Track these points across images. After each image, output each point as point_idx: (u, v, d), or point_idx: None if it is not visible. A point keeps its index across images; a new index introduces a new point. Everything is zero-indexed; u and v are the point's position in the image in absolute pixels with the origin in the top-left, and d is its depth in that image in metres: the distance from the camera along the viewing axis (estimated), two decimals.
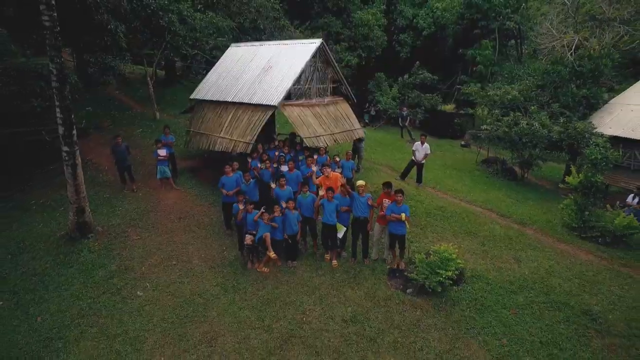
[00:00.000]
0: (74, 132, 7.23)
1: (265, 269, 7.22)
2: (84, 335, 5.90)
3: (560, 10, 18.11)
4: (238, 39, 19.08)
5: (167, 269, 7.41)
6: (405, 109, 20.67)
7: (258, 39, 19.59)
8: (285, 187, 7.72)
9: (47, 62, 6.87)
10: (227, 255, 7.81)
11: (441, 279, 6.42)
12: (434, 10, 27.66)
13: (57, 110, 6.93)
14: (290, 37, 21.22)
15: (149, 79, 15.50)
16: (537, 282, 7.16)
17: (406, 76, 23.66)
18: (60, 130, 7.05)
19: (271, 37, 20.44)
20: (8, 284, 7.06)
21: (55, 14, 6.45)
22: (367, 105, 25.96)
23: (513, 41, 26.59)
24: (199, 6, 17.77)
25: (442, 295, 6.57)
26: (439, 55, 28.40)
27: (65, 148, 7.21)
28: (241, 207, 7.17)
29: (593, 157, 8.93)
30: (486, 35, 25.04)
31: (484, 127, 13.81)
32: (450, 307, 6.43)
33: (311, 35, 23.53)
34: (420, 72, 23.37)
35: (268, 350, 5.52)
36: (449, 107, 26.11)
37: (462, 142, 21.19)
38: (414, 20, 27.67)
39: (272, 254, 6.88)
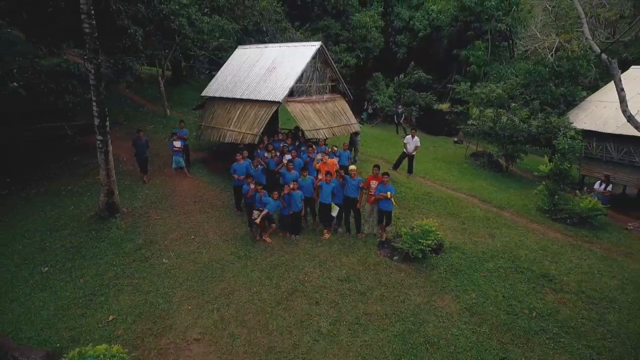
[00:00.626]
0: (107, 123, 8.44)
1: (269, 240, 8.43)
2: (122, 291, 7.10)
3: (544, 15, 19.37)
4: (242, 41, 20.31)
5: (186, 242, 8.61)
6: (400, 107, 21.89)
7: (261, 40, 20.82)
8: (292, 170, 8.93)
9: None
10: (239, 231, 9.02)
11: (422, 247, 7.63)
12: (430, 13, 28.85)
13: (94, 104, 8.14)
14: (292, 39, 22.47)
15: (160, 78, 16.69)
16: (506, 253, 8.37)
17: (402, 76, 24.87)
18: (96, 121, 8.26)
19: (273, 38, 21.68)
20: (51, 254, 8.26)
21: (94, 22, 7.66)
22: (365, 103, 27.21)
23: (505, 42, 27.81)
24: (206, 10, 18.95)
25: (423, 261, 7.77)
26: (434, 56, 29.60)
27: (100, 137, 8.42)
28: (252, 186, 8.37)
29: (561, 147, 10.14)
30: (479, 36, 26.21)
31: (470, 122, 15.04)
32: (429, 270, 7.63)
33: (311, 36, 24.76)
34: (415, 72, 24.60)
35: (276, 301, 6.73)
36: (445, 106, 27.32)
37: (455, 139, 22.38)
38: (411, 22, 28.88)
39: (273, 225, 8.18)
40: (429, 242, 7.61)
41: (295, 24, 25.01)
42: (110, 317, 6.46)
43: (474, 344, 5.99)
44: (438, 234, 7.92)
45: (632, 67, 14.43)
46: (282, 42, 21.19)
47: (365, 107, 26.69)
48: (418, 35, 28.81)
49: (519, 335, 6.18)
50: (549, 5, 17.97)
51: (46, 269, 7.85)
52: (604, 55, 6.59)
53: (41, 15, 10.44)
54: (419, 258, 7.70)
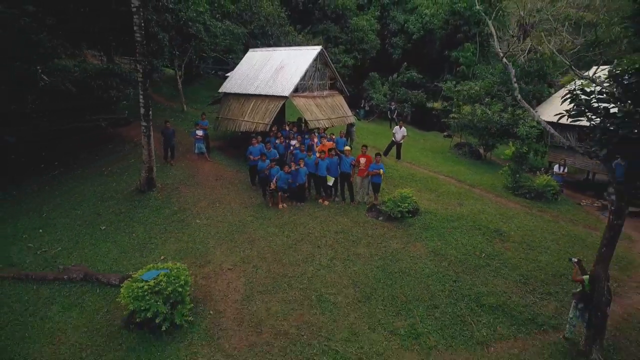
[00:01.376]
0: (150, 112, 10.62)
1: (282, 205, 10.61)
2: (167, 241, 9.27)
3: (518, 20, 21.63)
4: (249, 43, 22.55)
5: (213, 208, 10.77)
6: (393, 104, 24.07)
7: (266, 43, 23.05)
8: (304, 151, 11.14)
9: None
10: (255, 200, 11.19)
11: (401, 209, 9.79)
12: (423, 16, 30.98)
13: (141, 97, 10.31)
14: (294, 41, 24.69)
15: (177, 77, 18.86)
16: (469, 216, 10.53)
17: (395, 75, 27.01)
18: (142, 110, 10.43)
19: (278, 41, 23.89)
20: (105, 218, 10.42)
21: (144, 32, 9.84)
22: (362, 101, 29.39)
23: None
24: (217, 15, 21.15)
25: (401, 220, 9.93)
26: (427, 57, 31.78)
27: (144, 123, 10.60)
28: (268, 162, 10.56)
29: (520, 133, 12.29)
30: (469, 38, 28.39)
31: (452, 115, 17.22)
32: (406, 227, 9.79)
33: (312, 39, 26.97)
34: (407, 72, 26.76)
35: (288, 245, 8.90)
36: (438, 104, 29.50)
37: (445, 133, 24.56)
38: (405, 25, 31.02)
39: (281, 193, 10.41)
40: (406, 205, 9.78)
41: (297, 27, 27.24)
42: (162, 257, 8.62)
43: (435, 273, 8.15)
44: (414, 200, 10.10)
45: (594, 66, 16.58)
46: (285, 44, 23.45)
47: (362, 105, 28.85)
48: (412, 37, 30.95)
49: (469, 268, 8.34)
50: (522, 12, 20.12)
51: (104, 227, 10.02)
52: (504, 60, 8.58)
53: (84, 24, 12.62)
54: (398, 218, 9.86)
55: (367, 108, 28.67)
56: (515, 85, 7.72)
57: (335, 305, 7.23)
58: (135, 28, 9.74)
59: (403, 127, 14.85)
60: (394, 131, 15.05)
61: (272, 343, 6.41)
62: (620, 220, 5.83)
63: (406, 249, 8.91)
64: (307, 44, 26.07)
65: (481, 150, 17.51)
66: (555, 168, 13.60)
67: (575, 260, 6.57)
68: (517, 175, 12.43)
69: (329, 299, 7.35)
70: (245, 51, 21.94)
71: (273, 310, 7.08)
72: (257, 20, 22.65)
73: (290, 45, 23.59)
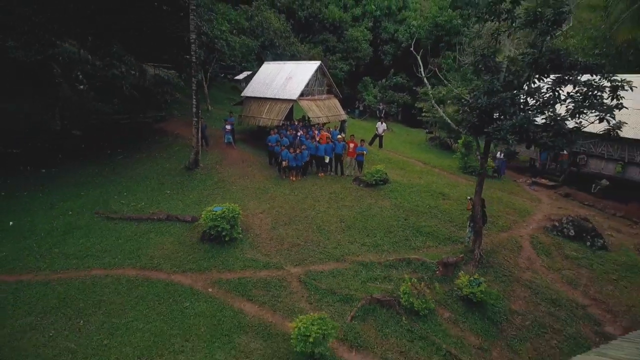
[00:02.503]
0: (200, 110, 15.14)
1: (293, 178, 15.12)
2: (215, 199, 13.74)
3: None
4: (260, 53, 27.09)
5: (243, 179, 15.27)
6: (382, 104, 28.55)
7: (275, 52, 27.59)
8: (308, 139, 15.66)
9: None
10: (272, 174, 15.70)
11: (375, 178, 14.30)
12: (411, 27, 35.53)
13: (193, 99, 14.82)
14: (297, 50, 29.22)
15: (204, 83, 23.37)
16: (424, 185, 15.01)
17: (384, 80, 31.49)
18: (193, 109, 14.94)
19: (284, 50, 28.43)
20: (167, 186, 14.92)
21: (198, 50, 14.34)
22: (357, 102, 33.89)
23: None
24: (234, 31, 25.68)
25: (375, 186, 14.42)
26: (414, 63, 36.18)
27: (195, 118, 15.12)
28: (282, 147, 15.07)
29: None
30: (450, 47, 32.90)
31: (424, 113, 21.71)
32: (378, 190, 14.28)
33: (313, 48, 31.51)
34: (394, 77, 31.24)
35: (297, 200, 13.42)
36: (424, 105, 33.96)
37: (427, 130, 29.05)
38: (395, 34, 35.55)
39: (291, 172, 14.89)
40: (379, 176, 14.28)
41: (299, 36, 31.76)
42: (206, 210, 13.09)
43: (393, 215, 12.64)
44: (385, 173, 14.60)
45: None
46: (290, 53, 27.98)
47: (357, 105, 33.35)
48: (401, 45, 35.47)
49: (416, 213, 12.83)
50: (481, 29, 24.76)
51: (168, 192, 14.53)
52: (425, 80, 13.09)
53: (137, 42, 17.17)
54: (373, 185, 14.36)
55: (361, 108, 33.17)
56: (431, 95, 12.22)
57: (328, 231, 11.73)
58: (192, 53, 14.26)
59: (384, 123, 19.36)
60: (377, 126, 19.55)
61: (289, 249, 10.91)
62: (482, 171, 10.30)
63: (376, 203, 13.41)
64: (309, 52, 30.67)
65: (450, 142, 22.00)
66: (498, 154, 18.09)
67: (469, 198, 11.06)
68: (466, 159, 16.90)
69: (324, 227, 11.85)
70: (257, 60, 26.55)
71: (289, 233, 11.58)
72: (266, 34, 27.16)
73: (294, 53, 28.20)
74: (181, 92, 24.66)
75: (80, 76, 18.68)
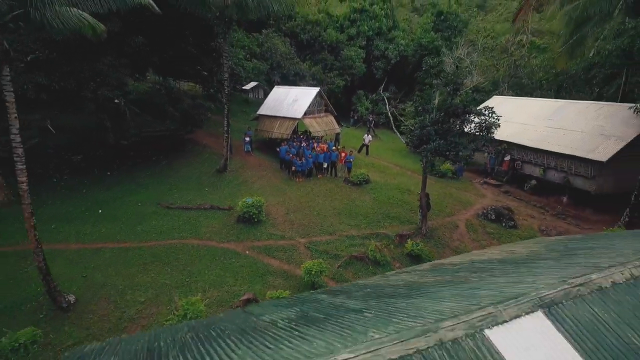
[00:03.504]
0: (230, 124, 20.40)
1: (299, 180, 20.42)
2: (242, 194, 18.98)
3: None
4: (269, 73, 32.38)
5: (261, 180, 20.56)
6: (371, 115, 33.84)
7: (281, 72, 32.86)
8: (318, 149, 20.97)
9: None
10: (283, 177, 21.00)
11: (359, 179, 19.60)
12: (399, 45, 40.79)
13: (225, 117, 20.08)
14: (300, 69, 34.49)
15: (224, 100, 28.56)
16: (397, 184, 20.30)
17: (374, 95, 36.81)
18: (225, 123, 20.20)
19: (288, 70, 33.69)
20: (205, 184, 20.20)
21: (229, 87, 19.61)
22: (352, 112, 39.18)
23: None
24: (247, 55, 30.98)
25: (360, 185, 19.72)
26: (402, 77, 41.57)
27: (225, 135, 20.39)
28: (291, 155, 20.37)
29: None
30: (432, 66, 38.13)
31: (402, 126, 26.96)
32: (362, 188, 19.58)
33: (313, 65, 36.78)
34: (382, 93, 36.58)
35: (302, 195, 18.72)
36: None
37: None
38: (386, 51, 40.77)
39: (298, 175, 20.18)
40: (362, 177, 19.58)
41: (301, 55, 37.04)
42: (242, 201, 18.37)
43: (371, 206, 17.92)
44: (367, 175, 19.90)
45: (495, 96, 26.34)
46: (294, 71, 33.24)
47: (352, 115, 38.64)
48: (391, 61, 40.75)
49: (387, 204, 18.10)
50: (451, 58, 30.09)
51: (207, 189, 19.81)
52: (384, 97, 18.25)
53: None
54: (358, 184, 19.65)
55: (355, 117, 38.47)
56: (388, 109, 17.57)
57: (324, 216, 17.00)
58: (225, 88, 19.52)
59: (370, 135, 24.65)
60: (364, 137, 24.83)
61: (298, 227, 16.18)
62: (424, 175, 15.56)
63: (359, 197, 18.69)
64: (310, 70, 35.98)
65: None
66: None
67: (418, 192, 16.34)
68: (432, 164, 22.15)
69: (322, 213, 17.13)
70: (267, 80, 31.84)
71: (297, 217, 16.85)
72: (274, 57, 32.43)
73: (297, 71, 33.49)
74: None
75: (122, 101, 23.99)
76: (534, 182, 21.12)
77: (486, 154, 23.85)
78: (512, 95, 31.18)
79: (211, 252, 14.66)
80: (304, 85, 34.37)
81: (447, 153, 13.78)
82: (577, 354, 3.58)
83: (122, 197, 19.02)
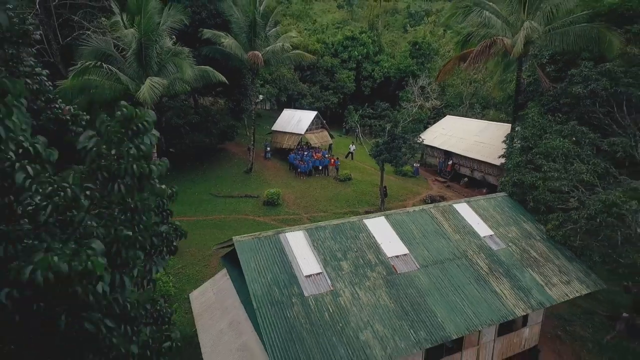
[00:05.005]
0: (255, 137, 29.80)
1: (302, 177, 29.88)
2: (264, 187, 28.42)
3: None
4: (277, 95, 41.80)
5: (277, 178, 30.00)
6: (357, 128, 43.20)
7: (286, 94, 42.26)
8: (315, 156, 30.46)
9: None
10: (292, 176, 30.46)
11: (344, 177, 29.06)
12: (383, 68, 50.13)
13: (252, 130, 29.46)
14: (302, 89, 43.89)
15: (252, 122, 38.00)
16: (371, 181, 29.73)
17: (360, 110, 46.12)
18: (251, 140, 29.57)
19: (293, 92, 43.06)
20: (237, 181, 29.63)
21: (255, 112, 28.99)
22: (344, 123, 48.51)
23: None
24: (261, 82, 40.33)
25: (345, 181, 29.18)
26: (386, 94, 50.88)
27: (251, 146, 29.79)
28: (298, 160, 29.82)
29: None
30: (409, 85, 47.45)
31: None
32: (346, 183, 29.03)
33: (312, 86, 46.18)
34: (367, 108, 45.84)
35: (305, 188, 28.19)
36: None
37: None
38: (372, 72, 50.14)
39: (302, 174, 29.66)
40: (346, 176, 29.03)
41: (302, 77, 46.43)
42: (267, 190, 27.78)
43: (351, 195, 27.37)
44: (350, 174, 29.36)
45: (448, 116, 35.74)
46: (296, 92, 42.64)
47: (343, 126, 48.02)
48: (376, 81, 50.11)
49: (362, 194, 27.57)
50: (415, 86, 39.50)
51: (239, 184, 29.24)
52: (356, 117, 27.66)
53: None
54: (343, 180, 29.10)
55: (347, 127, 47.83)
56: (358, 128, 27.11)
57: (320, 201, 26.43)
58: (252, 113, 28.89)
59: (354, 145, 34.06)
60: (349, 146, 34.26)
61: (303, 208, 25.60)
62: (381, 172, 25.00)
63: (344, 189, 28.14)
64: (309, 90, 45.38)
65: None
66: (415, 164, 32.77)
67: (378, 185, 25.77)
68: (398, 167, 31.60)
69: (318, 199, 26.57)
70: (277, 101, 41.24)
71: (302, 202, 26.27)
72: (281, 82, 41.79)
73: (299, 91, 42.88)
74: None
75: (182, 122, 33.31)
76: (466, 179, 30.50)
77: (437, 158, 33.32)
78: (474, 110, 40.72)
79: (249, 222, 24.05)
80: (305, 102, 43.97)
81: (392, 161, 23.13)
82: (394, 232, 12.98)
83: (184, 189, 28.39)
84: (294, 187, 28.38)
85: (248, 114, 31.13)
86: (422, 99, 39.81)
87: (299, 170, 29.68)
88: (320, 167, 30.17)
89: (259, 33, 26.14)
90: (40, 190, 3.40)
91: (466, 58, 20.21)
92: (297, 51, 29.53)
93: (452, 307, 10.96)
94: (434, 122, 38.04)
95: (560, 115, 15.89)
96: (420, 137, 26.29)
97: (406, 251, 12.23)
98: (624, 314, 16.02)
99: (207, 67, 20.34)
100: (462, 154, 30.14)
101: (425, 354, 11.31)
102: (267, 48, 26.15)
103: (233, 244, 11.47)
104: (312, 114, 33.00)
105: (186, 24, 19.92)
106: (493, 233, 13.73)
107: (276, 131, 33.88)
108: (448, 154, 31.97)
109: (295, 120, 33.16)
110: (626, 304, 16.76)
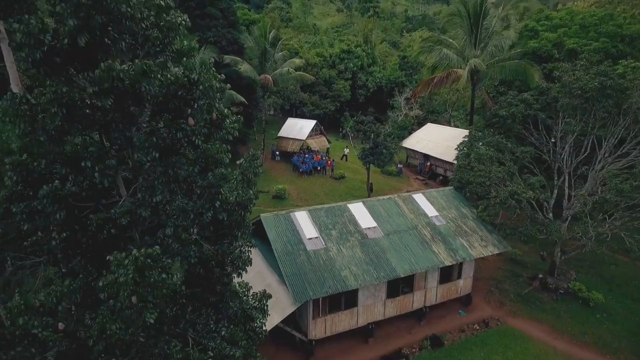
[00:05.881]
0: (265, 141, 35.98)
1: (305, 176, 36.05)
2: (273, 184, 34.59)
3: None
4: (282, 104, 47.99)
5: (283, 176, 36.17)
6: (351, 132, 49.30)
7: (290, 103, 48.42)
8: (315, 159, 36.66)
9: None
10: (295, 175, 36.64)
11: (339, 175, 35.24)
12: (376, 78, 56.24)
13: (263, 138, 35.58)
14: (303, 98, 50.04)
15: (263, 130, 44.13)
16: (361, 179, 35.89)
17: (355, 117, 52.26)
18: (262, 144, 35.71)
19: (295, 101, 49.17)
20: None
21: (265, 123, 35.12)
22: (340, 128, 54.63)
23: None
24: (268, 93, 46.42)
25: (339, 179, 35.36)
26: (379, 101, 57.03)
27: (262, 147, 35.94)
28: (300, 163, 36.01)
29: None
30: (399, 94, 53.55)
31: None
32: (340, 181, 35.21)
33: (312, 96, 52.34)
34: (360, 115, 52.00)
35: (307, 185, 34.41)
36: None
37: None
38: (366, 82, 56.24)
39: (303, 174, 35.86)
40: (340, 175, 35.19)
41: (302, 85, 52.50)
42: (275, 186, 33.91)
43: (344, 190, 33.55)
44: (344, 173, 35.53)
45: (428, 123, 41.88)
46: (298, 101, 48.78)
47: (340, 130, 54.14)
48: (370, 90, 56.22)
49: (353, 189, 33.73)
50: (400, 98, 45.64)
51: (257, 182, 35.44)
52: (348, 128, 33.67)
53: None
54: (338, 179, 35.28)
55: (343, 133, 53.94)
56: (350, 135, 33.33)
57: (318, 195, 32.57)
58: (263, 123, 35.01)
59: (347, 149, 40.22)
60: (344, 149, 40.41)
61: (304, 201, 31.75)
62: (367, 169, 31.15)
63: (338, 186, 34.31)
64: (310, 98, 51.52)
65: None
66: (399, 165, 38.89)
67: (370, 183, 31.92)
68: (382, 166, 37.73)
69: (317, 194, 32.73)
70: (281, 108, 47.47)
71: (304, 196, 32.41)
72: (285, 92, 47.86)
73: (301, 100, 49.02)
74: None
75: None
76: (441, 177, 36.61)
77: (418, 160, 39.47)
78: (459, 116, 46.88)
79: (262, 211, 30.13)
80: (306, 109, 50.12)
81: (376, 162, 29.20)
82: (368, 213, 19.13)
83: None
84: (297, 184, 34.50)
85: (258, 121, 37.26)
86: (406, 108, 45.95)
87: (301, 170, 35.83)
88: (319, 168, 36.30)
89: (269, 58, 32.25)
90: None
91: (431, 83, 26.32)
92: (300, 73, 35.60)
93: (402, 258, 17.08)
94: (419, 128, 44.17)
95: (492, 129, 21.97)
96: (399, 144, 32.22)
97: (375, 225, 18.35)
98: (540, 275, 22.13)
99: (232, 92, 26.38)
100: (438, 156, 36.24)
101: (387, 291, 17.40)
102: (275, 72, 32.26)
103: (258, 221, 17.57)
104: (312, 123, 39.09)
105: (217, 59, 25.95)
106: (438, 214, 19.84)
107: (281, 137, 39.98)
108: (427, 157, 38.07)
109: (298, 128, 39.25)
110: (543, 268, 22.87)
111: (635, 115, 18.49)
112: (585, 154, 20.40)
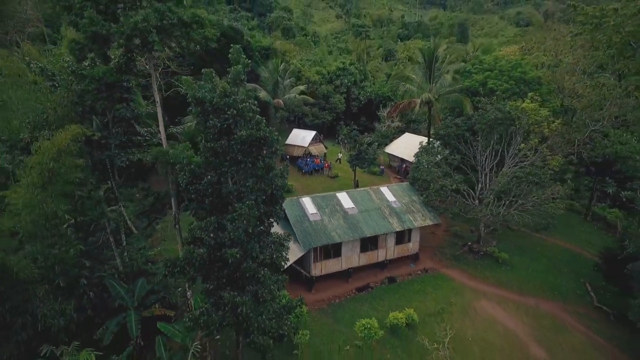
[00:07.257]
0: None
1: (307, 175, 46.62)
2: (289, 179, 45.23)
3: None
4: (287, 116, 58.63)
5: (290, 176, 46.53)
6: (346, 139, 59.88)
7: (294, 114, 59.05)
8: (315, 162, 47.30)
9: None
10: (300, 175, 47.25)
11: (334, 175, 45.84)
12: (367, 92, 66.86)
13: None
14: (305, 111, 60.63)
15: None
16: (349, 177, 46.50)
17: (348, 127, 62.97)
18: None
19: (298, 112, 59.76)
20: None
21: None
22: (337, 134, 65.14)
23: None
24: (279, 110, 57.01)
25: (334, 178, 46.04)
26: (370, 111, 67.62)
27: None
28: (303, 165, 46.60)
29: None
30: (385, 106, 64.03)
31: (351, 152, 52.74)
32: (334, 179, 45.86)
33: (312, 107, 62.94)
34: (352, 125, 62.69)
35: (309, 182, 45.05)
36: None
37: None
38: (359, 95, 66.86)
39: (305, 174, 46.47)
40: (335, 174, 45.79)
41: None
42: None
43: (338, 186, 44.15)
44: (338, 172, 46.11)
45: (406, 133, 52.44)
46: (301, 112, 59.44)
47: (336, 137, 64.68)
48: (362, 102, 66.84)
49: (345, 185, 44.31)
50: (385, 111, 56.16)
51: None
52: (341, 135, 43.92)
53: None
54: (333, 177, 45.94)
55: (338, 139, 64.46)
56: (342, 142, 44.06)
57: (318, 190, 43.11)
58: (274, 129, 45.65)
59: (341, 153, 50.79)
60: (338, 153, 50.98)
61: (307, 193, 42.29)
62: (354, 169, 41.72)
63: (333, 183, 45.00)
64: (310, 110, 62.19)
65: None
66: (382, 166, 49.41)
67: (356, 180, 42.47)
68: (370, 167, 48.26)
69: (316, 189, 43.31)
70: (287, 120, 58.16)
71: (306, 190, 42.96)
72: (289, 106, 58.37)
73: (302, 112, 59.69)
74: None
75: None
76: None
77: (397, 163, 50.01)
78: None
79: None
80: (307, 120, 60.69)
81: (360, 165, 39.67)
82: (349, 199, 29.71)
83: None
84: (301, 182, 45.03)
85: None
86: (389, 120, 56.53)
87: (304, 171, 46.33)
88: (318, 169, 46.82)
89: (279, 85, 42.78)
90: None
91: (398, 107, 36.89)
92: (304, 96, 46.13)
93: (369, 226, 27.64)
94: (400, 136, 54.66)
95: (439, 142, 32.46)
96: (382, 150, 42.51)
97: (353, 206, 28.89)
98: (469, 243, 32.69)
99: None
100: (411, 160, 46.72)
101: (360, 247, 27.87)
102: (285, 96, 42.78)
103: None
104: (312, 133, 49.59)
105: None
106: (395, 200, 30.36)
107: (288, 144, 50.52)
108: (403, 160, 48.56)
109: (301, 137, 49.71)
110: (474, 239, 33.40)
111: (522, 137, 29.01)
112: (496, 160, 30.89)
